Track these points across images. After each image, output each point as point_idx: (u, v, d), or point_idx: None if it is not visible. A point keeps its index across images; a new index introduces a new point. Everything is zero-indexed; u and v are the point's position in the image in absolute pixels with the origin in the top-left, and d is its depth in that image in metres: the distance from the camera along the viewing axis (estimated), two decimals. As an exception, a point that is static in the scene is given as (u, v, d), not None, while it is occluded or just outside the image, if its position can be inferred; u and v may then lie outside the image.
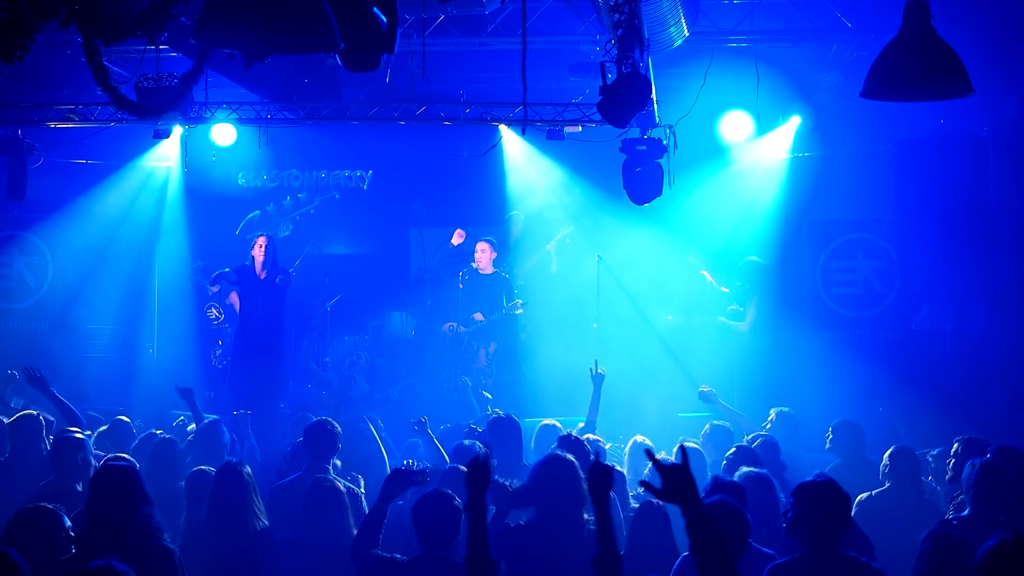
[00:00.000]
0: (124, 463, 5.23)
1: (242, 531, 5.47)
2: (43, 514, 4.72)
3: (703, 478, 6.78)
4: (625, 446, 7.81)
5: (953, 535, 4.64)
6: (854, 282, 11.20)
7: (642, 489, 3.86)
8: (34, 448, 6.94)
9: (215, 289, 12.71)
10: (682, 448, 3.53)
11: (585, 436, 7.24)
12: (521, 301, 11.94)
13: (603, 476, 3.87)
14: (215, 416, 8.07)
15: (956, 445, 6.47)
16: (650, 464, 4.47)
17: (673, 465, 3.41)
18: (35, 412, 7.36)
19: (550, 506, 5.05)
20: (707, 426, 7.86)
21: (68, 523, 4.74)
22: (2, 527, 5.04)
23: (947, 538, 4.59)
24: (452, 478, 5.68)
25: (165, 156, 13.03)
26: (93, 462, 6.24)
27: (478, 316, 11.99)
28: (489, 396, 9.67)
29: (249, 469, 5.77)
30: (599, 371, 8.29)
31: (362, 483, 6.74)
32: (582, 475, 5.20)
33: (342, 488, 6.13)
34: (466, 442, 6.85)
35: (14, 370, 9.28)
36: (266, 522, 5.64)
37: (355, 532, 5.27)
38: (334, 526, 5.56)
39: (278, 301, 11.15)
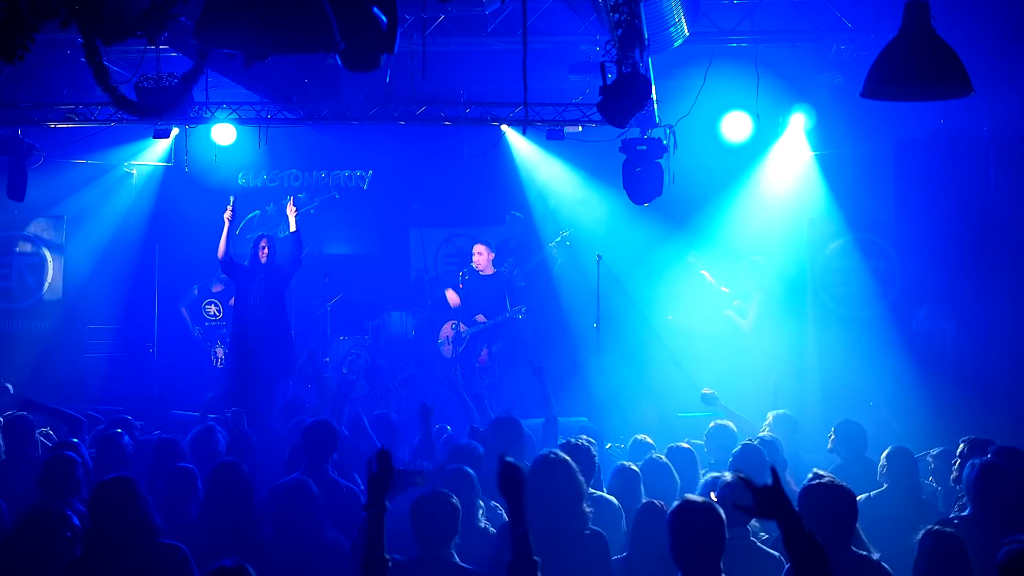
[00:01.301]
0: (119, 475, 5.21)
1: (244, 532, 5.46)
2: (53, 512, 4.75)
3: (696, 477, 6.79)
4: (625, 445, 7.82)
5: (952, 532, 4.64)
6: (854, 282, 11.19)
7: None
8: (28, 448, 6.94)
9: (218, 288, 12.74)
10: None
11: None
12: (523, 307, 11.94)
13: (513, 475, 3.98)
14: (212, 416, 8.06)
15: (962, 446, 6.46)
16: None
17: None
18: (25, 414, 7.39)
19: (545, 507, 5.05)
20: (710, 424, 7.86)
21: (77, 521, 4.78)
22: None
23: (946, 535, 4.59)
24: (453, 478, 5.68)
25: (165, 156, 13.04)
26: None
27: (480, 318, 11.99)
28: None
29: (246, 468, 5.76)
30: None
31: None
32: (579, 476, 5.21)
33: (342, 488, 6.16)
34: (463, 441, 6.85)
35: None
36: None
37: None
38: (321, 527, 5.55)
39: (277, 298, 11.12)
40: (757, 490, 3.48)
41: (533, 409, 9.53)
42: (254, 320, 10.85)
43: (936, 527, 4.75)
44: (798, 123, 11.77)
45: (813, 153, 11.80)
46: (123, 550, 4.70)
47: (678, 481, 6.36)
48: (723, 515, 4.22)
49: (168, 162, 13.03)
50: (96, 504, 4.87)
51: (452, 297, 12.33)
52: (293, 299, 12.08)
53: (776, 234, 11.86)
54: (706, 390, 9.12)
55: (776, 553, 4.93)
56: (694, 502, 4.25)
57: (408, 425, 8.64)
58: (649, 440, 7.53)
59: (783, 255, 11.70)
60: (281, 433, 8.33)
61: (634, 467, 6.21)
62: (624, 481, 6.10)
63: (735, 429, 7.74)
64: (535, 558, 3.97)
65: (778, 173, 12.10)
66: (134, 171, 13.02)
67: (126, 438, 6.85)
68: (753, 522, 5.16)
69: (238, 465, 5.76)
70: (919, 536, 4.70)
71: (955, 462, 6.37)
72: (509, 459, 4.03)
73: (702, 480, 5.81)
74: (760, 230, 11.94)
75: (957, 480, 6.18)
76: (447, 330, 12.25)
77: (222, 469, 5.70)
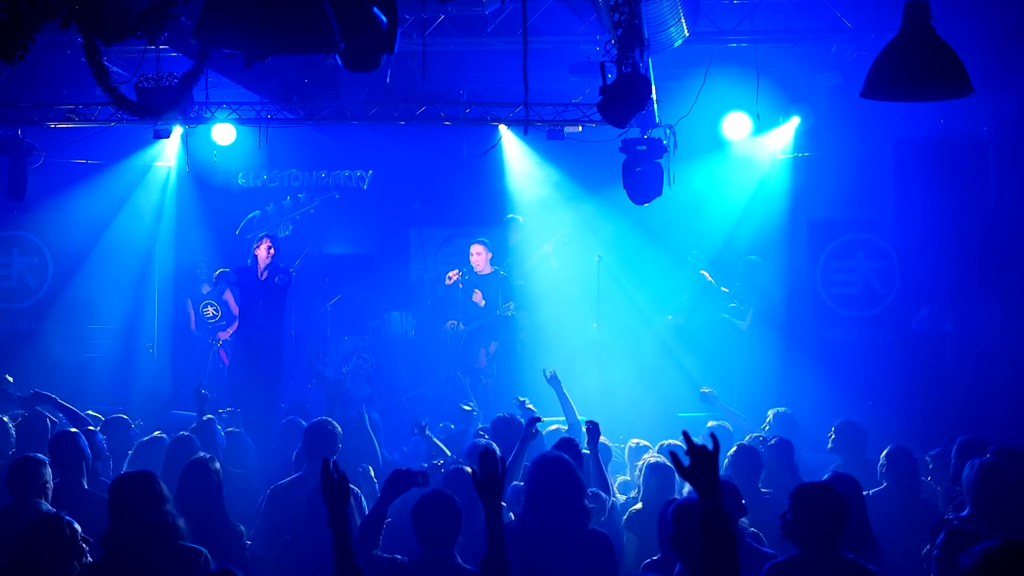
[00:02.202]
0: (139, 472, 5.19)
1: (211, 530, 5.41)
2: (57, 522, 4.70)
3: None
4: (624, 446, 7.83)
5: (976, 532, 4.60)
6: (854, 282, 11.20)
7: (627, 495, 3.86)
8: (40, 449, 6.93)
9: (207, 289, 12.77)
10: (712, 435, 3.52)
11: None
12: (512, 304, 11.92)
13: (494, 479, 4.09)
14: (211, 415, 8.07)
15: (956, 446, 6.46)
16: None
17: (704, 448, 3.43)
18: (43, 413, 7.40)
19: (548, 505, 5.06)
20: (708, 425, 7.87)
21: (80, 529, 4.74)
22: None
23: (962, 534, 4.55)
24: (456, 478, 5.68)
25: (165, 156, 13.04)
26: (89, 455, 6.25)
27: (452, 323, 11.94)
28: (470, 407, 9.32)
29: (218, 466, 5.72)
30: (550, 373, 8.41)
31: (372, 471, 6.77)
32: (579, 472, 5.22)
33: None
34: (481, 441, 6.84)
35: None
36: (236, 523, 5.61)
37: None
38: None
39: (279, 301, 11.16)
40: (694, 449, 3.41)
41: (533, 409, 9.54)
42: (257, 325, 10.92)
43: (956, 527, 4.71)
44: (798, 123, 11.79)
45: (812, 153, 11.80)
46: (144, 551, 4.60)
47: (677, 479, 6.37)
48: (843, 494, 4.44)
49: (168, 162, 13.03)
50: (116, 500, 4.78)
51: (478, 296, 12.22)
52: (293, 299, 12.07)
53: (776, 234, 11.86)
54: (705, 389, 9.13)
55: (772, 551, 4.93)
56: (814, 483, 4.47)
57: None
58: (646, 443, 7.54)
59: (783, 255, 11.70)
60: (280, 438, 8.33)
61: (668, 463, 6.13)
62: (660, 479, 6.07)
63: (731, 429, 7.76)
64: (506, 555, 4.06)
65: (778, 173, 12.11)
66: (161, 170, 13.02)
67: (99, 436, 6.84)
68: (743, 520, 5.18)
69: (204, 461, 5.71)
70: (940, 537, 4.65)
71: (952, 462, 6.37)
72: (488, 453, 4.13)
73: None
74: (760, 230, 11.94)
75: (954, 479, 6.19)
76: (447, 328, 12.22)
77: (193, 466, 5.67)
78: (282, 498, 6.17)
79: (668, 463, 6.12)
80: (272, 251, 11.02)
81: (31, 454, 5.92)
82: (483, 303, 11.94)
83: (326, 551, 5.47)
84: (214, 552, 5.03)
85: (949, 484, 6.42)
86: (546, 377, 8.44)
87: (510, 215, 12.96)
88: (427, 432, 7.60)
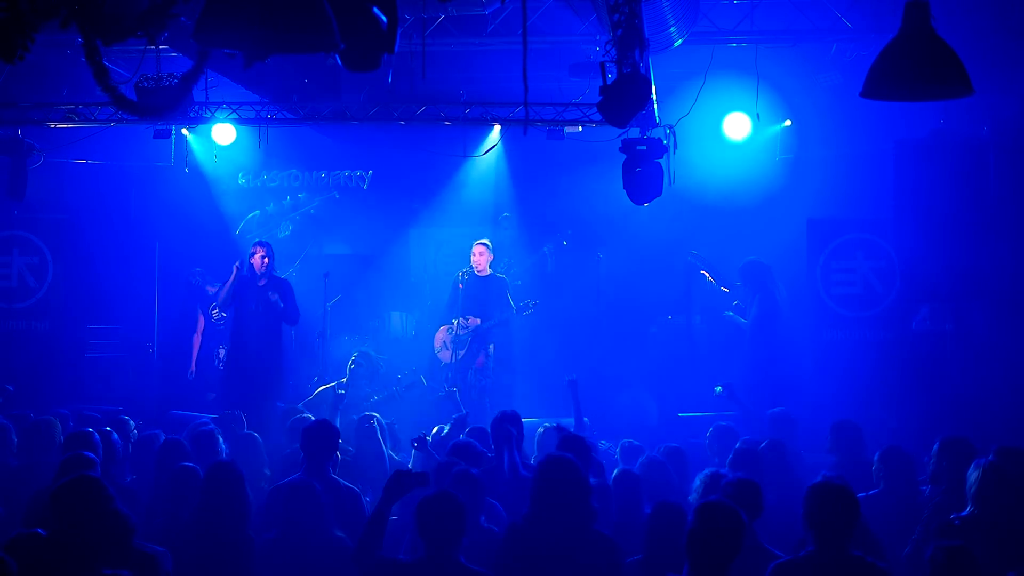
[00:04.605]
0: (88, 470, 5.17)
1: (232, 534, 5.42)
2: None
3: (685, 478, 6.78)
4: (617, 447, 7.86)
5: (962, 546, 4.61)
6: (854, 282, 11.19)
7: None
8: (49, 453, 6.92)
9: (212, 290, 12.75)
10: None
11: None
12: (531, 301, 11.83)
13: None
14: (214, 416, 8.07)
15: (936, 445, 6.41)
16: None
17: None
18: (51, 419, 7.40)
19: (552, 505, 5.06)
20: (711, 428, 7.88)
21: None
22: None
23: (958, 551, 4.57)
24: (459, 479, 5.67)
25: (165, 156, 13.05)
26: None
27: (474, 320, 11.84)
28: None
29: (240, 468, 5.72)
30: (570, 378, 8.70)
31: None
32: (584, 472, 5.22)
33: (343, 488, 6.16)
34: (461, 437, 6.87)
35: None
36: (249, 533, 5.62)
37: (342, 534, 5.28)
38: (328, 528, 5.54)
39: (275, 311, 11.11)
40: None
41: (532, 409, 9.56)
42: (252, 327, 10.87)
43: (946, 543, 4.72)
44: (798, 123, 11.79)
45: (811, 153, 11.81)
46: (91, 557, 4.45)
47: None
48: (744, 519, 4.37)
49: (169, 162, 13.04)
50: (59, 507, 4.65)
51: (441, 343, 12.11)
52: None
53: (776, 234, 11.86)
54: (718, 388, 9.16)
55: (780, 553, 4.93)
56: (721, 503, 4.40)
57: (408, 430, 8.63)
58: (636, 443, 7.56)
59: (783, 255, 11.70)
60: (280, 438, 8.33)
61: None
62: (626, 485, 6.10)
63: (738, 430, 7.76)
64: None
65: (778, 173, 12.11)
66: (161, 170, 13.00)
67: (115, 436, 6.84)
68: None
69: (233, 464, 5.72)
70: (929, 552, 4.66)
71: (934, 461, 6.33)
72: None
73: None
74: (759, 230, 11.94)
75: (935, 479, 6.18)
76: (442, 335, 12.16)
77: (218, 468, 5.67)
78: (283, 499, 6.15)
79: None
80: (267, 260, 10.99)
81: (82, 452, 5.93)
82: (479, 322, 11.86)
83: (325, 550, 5.50)
84: (229, 560, 5.03)
85: (931, 484, 6.38)
86: (567, 380, 8.53)
87: (504, 215, 12.97)
88: (428, 447, 7.57)
